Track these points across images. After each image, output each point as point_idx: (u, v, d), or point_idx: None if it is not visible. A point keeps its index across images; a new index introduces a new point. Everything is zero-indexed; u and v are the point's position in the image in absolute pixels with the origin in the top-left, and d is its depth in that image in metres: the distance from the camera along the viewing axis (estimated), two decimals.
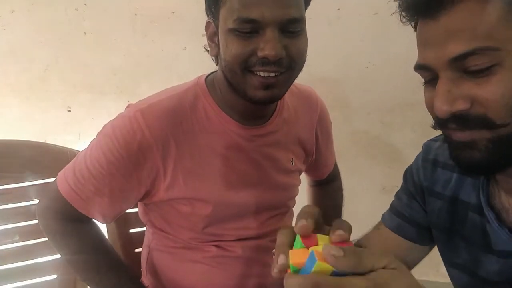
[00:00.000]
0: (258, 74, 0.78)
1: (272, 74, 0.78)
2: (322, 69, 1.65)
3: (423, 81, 0.59)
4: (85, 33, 1.84)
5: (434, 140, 0.79)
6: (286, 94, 0.98)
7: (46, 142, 1.11)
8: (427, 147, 0.79)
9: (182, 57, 1.82)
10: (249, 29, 0.76)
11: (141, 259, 1.04)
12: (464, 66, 0.51)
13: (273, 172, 0.94)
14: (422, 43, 0.56)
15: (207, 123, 0.87)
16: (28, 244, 1.07)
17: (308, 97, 1.05)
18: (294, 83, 1.03)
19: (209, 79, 0.92)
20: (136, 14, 1.82)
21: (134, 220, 1.07)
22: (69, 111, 1.92)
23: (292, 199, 1.04)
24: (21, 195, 1.06)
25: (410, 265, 0.82)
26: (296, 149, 1.00)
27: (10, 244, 1.06)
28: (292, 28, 0.78)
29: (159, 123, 0.82)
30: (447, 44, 0.51)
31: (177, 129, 0.84)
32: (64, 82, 1.88)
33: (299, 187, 1.07)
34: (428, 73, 0.56)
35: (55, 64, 1.86)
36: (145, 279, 1.02)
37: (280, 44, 0.76)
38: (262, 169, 0.93)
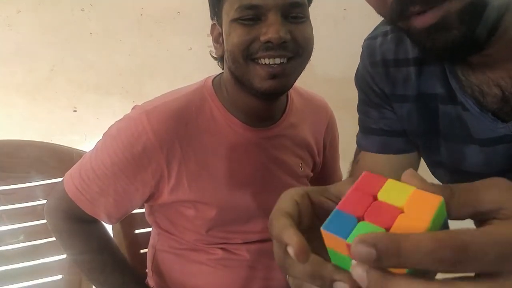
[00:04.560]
0: (263, 62, 0.77)
1: (278, 61, 0.76)
2: (328, 69, 1.64)
3: None
4: (90, 33, 1.84)
5: (372, 38, 0.69)
6: (296, 99, 0.97)
7: (51, 142, 1.11)
8: (369, 48, 0.69)
9: (187, 58, 1.82)
10: (252, 15, 0.75)
11: (147, 260, 1.04)
12: None
13: (281, 175, 0.93)
14: None
15: (213, 125, 0.87)
16: (33, 244, 1.08)
17: (319, 105, 1.03)
18: (307, 91, 1.02)
19: (216, 81, 0.91)
20: (141, 15, 1.82)
21: (140, 220, 1.07)
22: (74, 111, 1.92)
23: None
24: (27, 195, 1.06)
25: None
26: (304, 155, 0.98)
27: (16, 244, 1.07)
28: (295, 13, 0.77)
29: (164, 126, 0.82)
30: None
31: (182, 132, 0.83)
32: (70, 82, 1.88)
33: None
34: None
35: (61, 64, 1.86)
36: (151, 280, 1.01)
37: (284, 28, 0.75)
38: (269, 172, 0.92)
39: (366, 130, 0.74)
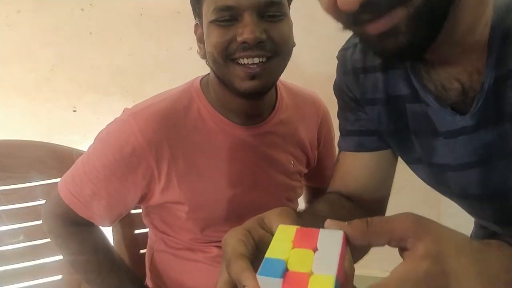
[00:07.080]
0: (242, 62, 0.77)
1: (256, 60, 0.77)
2: (320, 66, 1.63)
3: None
4: (90, 33, 1.84)
5: (345, 49, 0.75)
6: (286, 96, 0.97)
7: (51, 142, 1.11)
8: (342, 58, 0.75)
9: (187, 57, 1.81)
10: (228, 16, 0.76)
11: (146, 260, 1.04)
12: None
13: (272, 173, 0.93)
14: None
15: (201, 125, 0.87)
16: (33, 245, 1.07)
17: (311, 101, 1.02)
18: (298, 86, 1.02)
19: (204, 80, 0.91)
20: (141, 14, 1.81)
21: (139, 221, 1.07)
22: (74, 111, 1.92)
23: (293, 200, 1.02)
24: (26, 195, 1.06)
25: (391, 174, 0.79)
26: (295, 151, 0.98)
27: (16, 244, 1.07)
28: (271, 12, 0.77)
29: (151, 126, 0.82)
30: None
31: (170, 132, 0.84)
32: (69, 82, 1.88)
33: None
34: None
35: (61, 64, 1.86)
36: (149, 280, 1.01)
37: (259, 28, 0.75)
38: (259, 170, 0.92)
39: (344, 132, 0.79)
